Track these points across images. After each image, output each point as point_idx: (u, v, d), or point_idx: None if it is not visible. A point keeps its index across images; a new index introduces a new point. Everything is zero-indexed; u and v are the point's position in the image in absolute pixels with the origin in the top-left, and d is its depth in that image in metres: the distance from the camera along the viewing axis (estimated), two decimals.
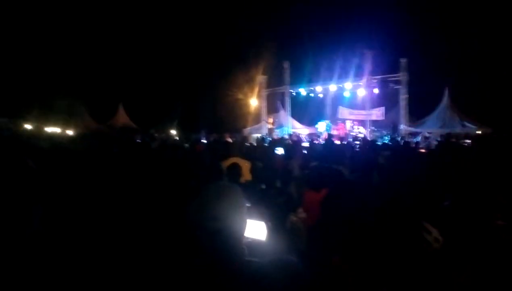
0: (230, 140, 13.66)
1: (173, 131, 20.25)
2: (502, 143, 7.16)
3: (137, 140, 10.84)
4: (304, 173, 4.02)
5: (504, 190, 3.19)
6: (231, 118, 22.24)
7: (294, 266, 1.35)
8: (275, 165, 4.80)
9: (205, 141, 12.58)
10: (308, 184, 3.36)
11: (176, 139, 14.89)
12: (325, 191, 3.91)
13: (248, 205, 2.08)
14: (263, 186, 3.81)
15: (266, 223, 2.33)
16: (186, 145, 9.37)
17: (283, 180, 3.61)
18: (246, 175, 4.75)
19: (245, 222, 2.06)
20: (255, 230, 2.31)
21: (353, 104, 20.39)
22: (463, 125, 17.44)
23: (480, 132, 15.68)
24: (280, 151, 6.20)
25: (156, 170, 4.11)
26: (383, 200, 3.48)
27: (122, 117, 22.58)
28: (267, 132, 20.19)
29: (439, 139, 12.72)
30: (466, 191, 3.23)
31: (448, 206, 2.12)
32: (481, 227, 2.76)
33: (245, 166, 5.00)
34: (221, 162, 5.24)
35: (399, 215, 3.20)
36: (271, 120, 20.79)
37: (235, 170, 3.94)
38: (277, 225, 2.57)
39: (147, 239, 2.32)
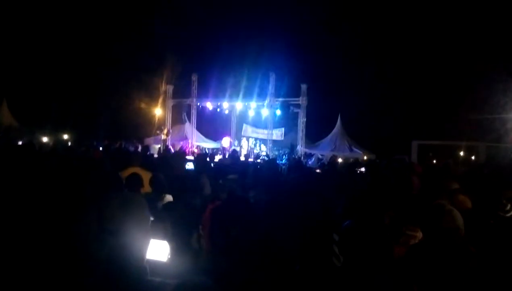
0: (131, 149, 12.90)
1: (65, 135, 18.40)
2: (388, 169, 8.05)
3: (19, 143, 9.60)
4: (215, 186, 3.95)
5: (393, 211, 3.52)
6: (133, 126, 21.15)
7: (205, 288, 1.26)
8: (184, 177, 4.64)
9: (101, 148, 11.68)
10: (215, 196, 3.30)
11: (68, 144, 13.53)
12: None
13: (151, 218, 1.92)
14: (169, 198, 3.62)
15: (169, 242, 2.17)
16: (82, 150, 8.57)
17: (192, 193, 3.48)
18: (146, 187, 4.50)
19: (149, 238, 1.89)
20: (157, 250, 2.13)
21: (256, 123, 21.19)
22: (351, 150, 19.28)
23: (365, 157, 17.43)
24: (190, 165, 6.02)
25: (40, 177, 3.62)
26: (288, 216, 3.58)
27: (5, 116, 19.81)
28: (161, 144, 19.50)
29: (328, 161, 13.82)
30: (364, 214, 3.48)
31: (348, 226, 2.24)
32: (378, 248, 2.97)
33: (146, 176, 4.74)
34: (120, 172, 4.89)
35: (310, 227, 3.31)
36: (165, 131, 20.12)
37: (135, 180, 3.67)
38: (182, 242, 2.44)
39: (30, 256, 1.98)
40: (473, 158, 15.54)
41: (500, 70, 14.95)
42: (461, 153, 16.38)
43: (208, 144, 21.32)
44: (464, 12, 18.20)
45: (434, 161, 16.24)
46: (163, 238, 2.15)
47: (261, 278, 1.98)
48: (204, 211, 3.50)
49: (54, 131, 18.28)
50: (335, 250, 2.52)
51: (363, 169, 8.47)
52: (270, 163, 7.76)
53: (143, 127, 21.51)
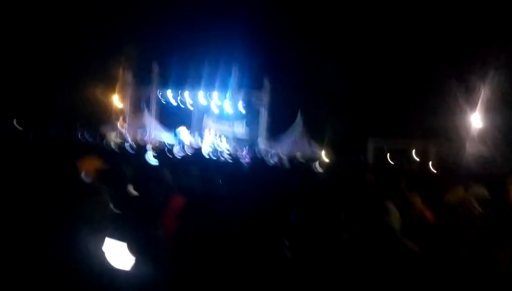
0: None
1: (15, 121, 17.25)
2: (345, 168, 8.33)
3: None
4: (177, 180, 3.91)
5: (347, 209, 3.68)
6: (89, 113, 20.24)
7: None
8: (146, 169, 4.56)
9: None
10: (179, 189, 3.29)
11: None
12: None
13: (117, 211, 1.88)
14: (134, 192, 3.55)
15: (129, 244, 2.08)
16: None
17: (155, 186, 3.44)
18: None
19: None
20: (117, 253, 2.00)
21: (217, 116, 21.03)
22: (311, 146, 19.68)
23: (323, 155, 17.90)
24: (151, 157, 5.89)
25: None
26: (243, 212, 3.63)
27: None
28: (118, 133, 18.86)
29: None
30: (311, 208, 3.62)
31: (295, 221, 2.34)
32: (326, 241, 3.10)
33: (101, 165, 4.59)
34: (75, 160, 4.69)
35: (259, 228, 3.38)
36: (122, 119, 19.55)
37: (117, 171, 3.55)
38: (142, 238, 2.40)
39: None
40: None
41: (450, 75, 15.83)
42: (413, 153, 17.30)
43: (167, 136, 20.90)
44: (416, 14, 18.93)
45: (388, 160, 17.08)
46: (123, 238, 2.05)
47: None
48: (165, 204, 3.46)
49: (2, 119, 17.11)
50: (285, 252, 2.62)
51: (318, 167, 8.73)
52: (234, 160, 7.79)
53: (99, 115, 20.68)
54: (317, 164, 9.41)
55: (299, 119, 20.61)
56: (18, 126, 15.08)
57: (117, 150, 6.88)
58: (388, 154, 17.33)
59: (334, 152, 18.58)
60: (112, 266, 1.69)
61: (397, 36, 19.38)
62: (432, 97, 16.06)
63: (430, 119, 15.89)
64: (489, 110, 14.71)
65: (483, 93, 14.65)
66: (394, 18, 19.80)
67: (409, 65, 18.33)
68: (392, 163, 13.96)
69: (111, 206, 1.94)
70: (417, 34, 17.84)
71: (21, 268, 1.57)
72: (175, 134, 19.49)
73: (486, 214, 3.85)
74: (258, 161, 7.67)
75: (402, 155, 16.87)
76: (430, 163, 14.32)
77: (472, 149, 14.63)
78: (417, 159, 16.42)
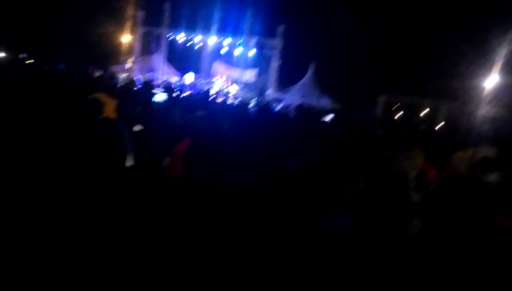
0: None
1: (22, 55, 17.11)
2: (354, 121, 8.27)
3: None
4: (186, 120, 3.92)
5: (351, 162, 3.67)
6: (97, 52, 19.94)
7: None
8: (154, 110, 4.56)
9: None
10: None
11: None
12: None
13: None
14: (138, 128, 3.58)
15: None
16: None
17: (163, 125, 3.45)
18: (110, 113, 4.38)
19: None
20: None
21: (228, 61, 20.62)
22: (320, 99, 19.43)
23: (331, 108, 17.70)
24: (161, 96, 5.86)
25: None
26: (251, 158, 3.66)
27: None
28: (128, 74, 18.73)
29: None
30: (314, 158, 3.61)
31: (291, 168, 2.35)
32: (327, 192, 3.11)
33: (110, 103, 4.60)
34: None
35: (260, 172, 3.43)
36: (131, 60, 19.37)
37: (93, 104, 3.54)
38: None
39: None
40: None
41: (467, 37, 15.26)
42: (425, 111, 17.08)
43: (176, 79, 20.70)
44: None
45: (398, 116, 16.95)
46: None
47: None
48: (173, 144, 3.50)
49: (10, 50, 16.94)
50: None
51: (328, 118, 8.66)
52: (241, 104, 7.75)
53: (108, 55, 20.38)
54: (326, 115, 9.33)
55: (311, 70, 20.19)
56: (28, 60, 14.93)
57: (126, 88, 6.85)
58: (399, 111, 17.11)
59: (345, 104, 18.39)
60: None
61: None
62: (448, 57, 15.59)
63: (444, 79, 15.53)
64: (505, 72, 14.33)
65: (500, 55, 14.17)
66: None
67: (428, 23, 17.57)
68: (402, 119, 13.82)
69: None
70: None
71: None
72: (182, 80, 19.31)
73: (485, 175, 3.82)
74: (263, 108, 7.60)
75: (412, 113, 16.67)
76: (441, 123, 14.16)
77: (486, 111, 14.38)
78: (428, 117, 16.24)
